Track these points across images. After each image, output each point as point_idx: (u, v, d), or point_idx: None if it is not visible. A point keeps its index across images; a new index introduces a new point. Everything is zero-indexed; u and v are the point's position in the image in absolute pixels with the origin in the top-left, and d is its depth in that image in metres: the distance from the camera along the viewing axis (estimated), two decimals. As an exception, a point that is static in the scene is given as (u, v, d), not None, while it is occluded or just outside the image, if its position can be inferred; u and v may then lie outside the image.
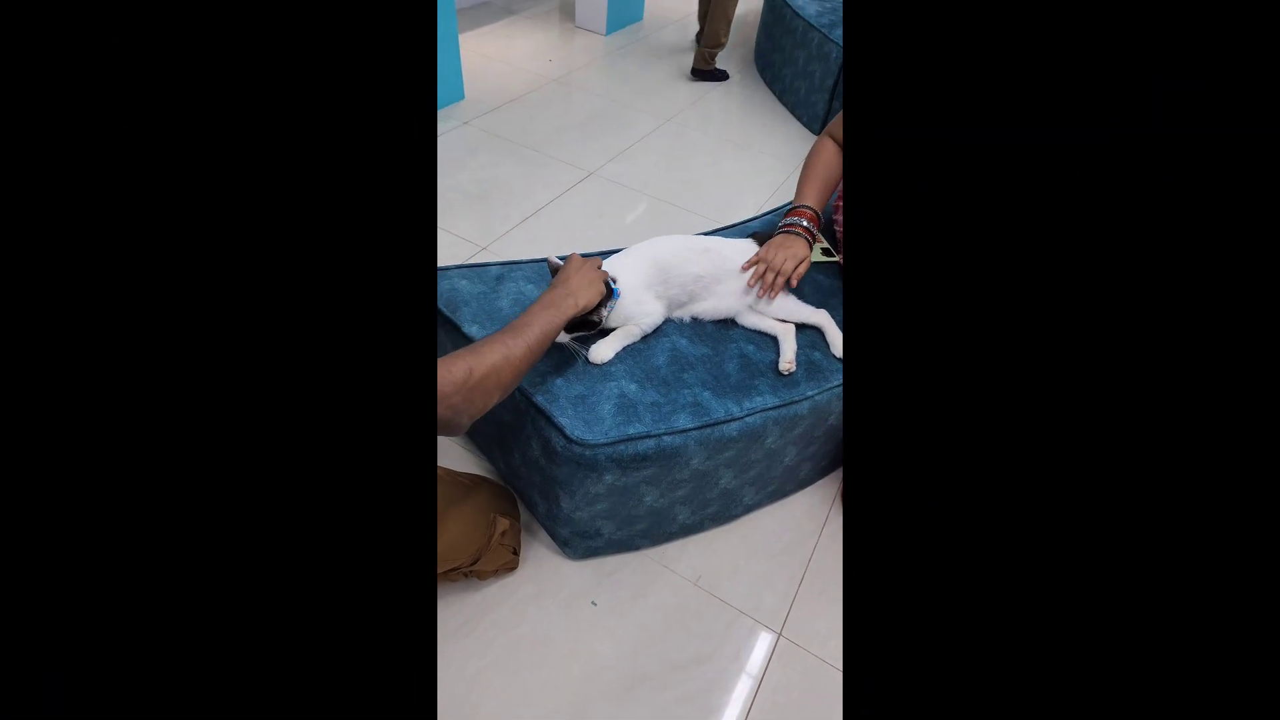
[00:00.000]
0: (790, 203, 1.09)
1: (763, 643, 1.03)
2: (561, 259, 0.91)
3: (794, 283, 1.01)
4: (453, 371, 0.65)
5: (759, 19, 2.93)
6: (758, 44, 2.90)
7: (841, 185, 1.24)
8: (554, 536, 1.08)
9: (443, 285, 1.04)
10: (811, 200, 1.07)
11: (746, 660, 1.01)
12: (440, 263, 1.10)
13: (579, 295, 0.82)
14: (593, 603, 1.04)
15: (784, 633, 1.05)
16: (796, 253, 1.01)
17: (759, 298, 1.01)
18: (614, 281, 0.91)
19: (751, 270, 1.02)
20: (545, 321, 0.77)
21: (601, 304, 0.87)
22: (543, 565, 1.08)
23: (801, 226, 1.04)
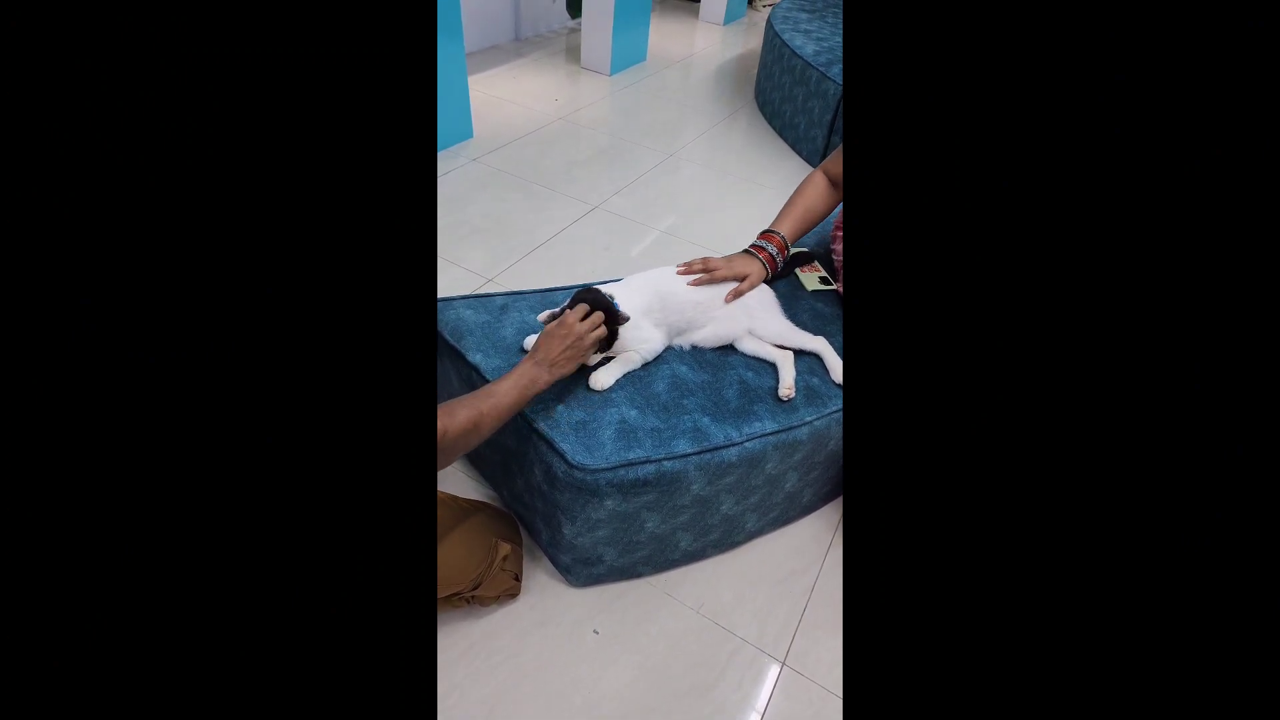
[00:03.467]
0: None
1: (766, 673, 1.02)
2: (557, 302, 0.94)
3: (729, 291, 1.04)
4: None
5: (759, 58, 3.02)
6: (758, 81, 2.99)
7: (840, 214, 1.27)
8: (556, 563, 1.09)
9: (448, 315, 1.07)
10: (784, 229, 1.10)
11: (750, 690, 1.00)
12: (448, 294, 1.13)
13: (556, 370, 0.85)
14: (595, 631, 1.04)
15: (788, 662, 1.04)
16: (734, 266, 1.04)
17: (680, 275, 1.04)
18: (613, 298, 0.93)
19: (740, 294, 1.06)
20: (519, 394, 0.81)
21: (615, 324, 0.90)
22: (545, 592, 1.08)
23: (765, 251, 1.07)
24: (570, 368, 0.87)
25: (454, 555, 0.91)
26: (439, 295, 1.11)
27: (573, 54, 3.32)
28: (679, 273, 1.04)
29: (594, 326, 0.88)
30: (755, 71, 3.13)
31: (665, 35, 3.80)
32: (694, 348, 1.06)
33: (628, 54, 3.22)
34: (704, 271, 1.03)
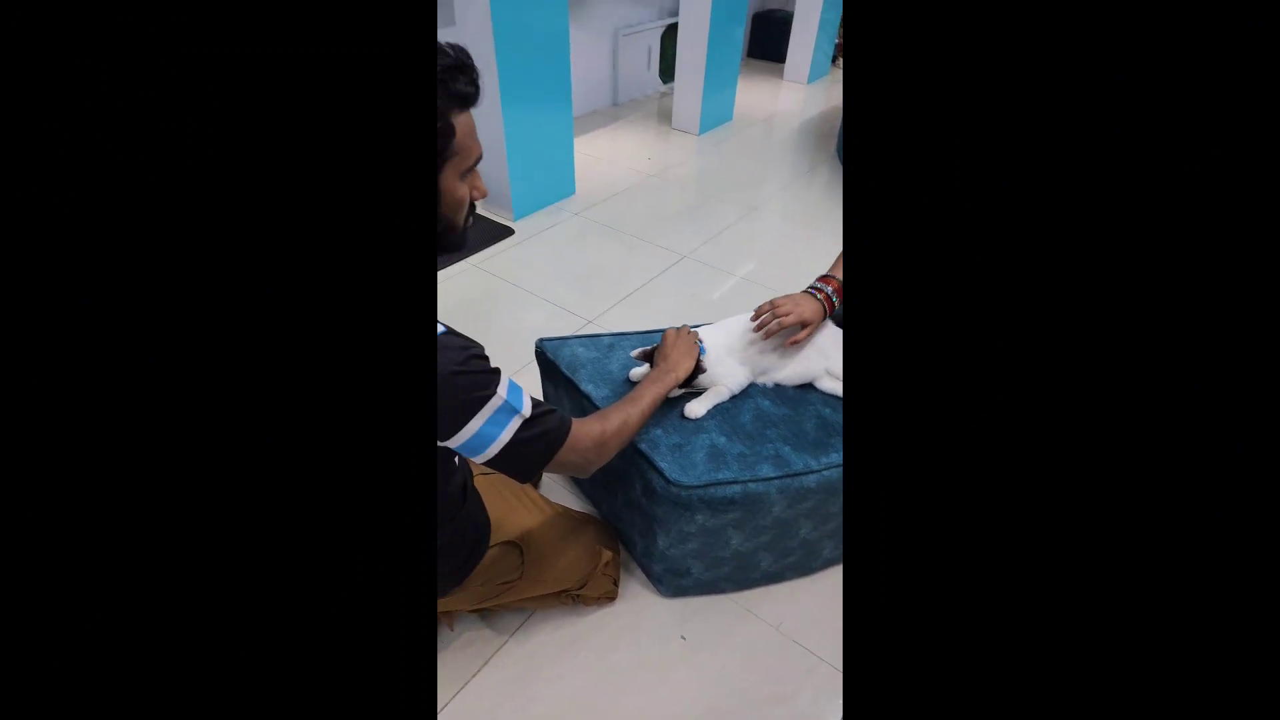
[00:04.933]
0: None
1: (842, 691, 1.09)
2: (652, 341, 1.10)
3: (791, 336, 1.12)
4: (590, 432, 0.82)
5: (841, 114, 3.17)
6: (840, 136, 3.13)
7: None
8: (648, 573, 1.22)
9: (564, 351, 1.26)
10: (839, 272, 1.17)
11: (825, 705, 1.08)
12: (553, 334, 1.32)
13: (678, 369, 1.01)
14: (682, 637, 1.15)
15: (862, 682, 1.10)
16: (801, 310, 1.11)
17: (756, 333, 1.13)
18: (700, 342, 1.08)
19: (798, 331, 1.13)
20: (654, 394, 0.96)
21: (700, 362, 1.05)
22: (637, 600, 1.21)
23: (824, 293, 1.14)
24: (688, 363, 1.02)
25: (567, 557, 1.07)
26: (555, 336, 1.30)
27: (664, 116, 3.60)
28: (751, 319, 1.16)
29: (686, 332, 1.05)
30: (837, 127, 3.27)
31: (751, 94, 4.03)
32: (776, 385, 1.18)
33: (715, 114, 3.45)
34: (772, 315, 1.12)
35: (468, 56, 0.61)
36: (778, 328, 1.12)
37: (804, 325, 1.12)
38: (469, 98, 0.62)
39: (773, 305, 1.13)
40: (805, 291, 1.17)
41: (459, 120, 0.62)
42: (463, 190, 0.66)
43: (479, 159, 0.67)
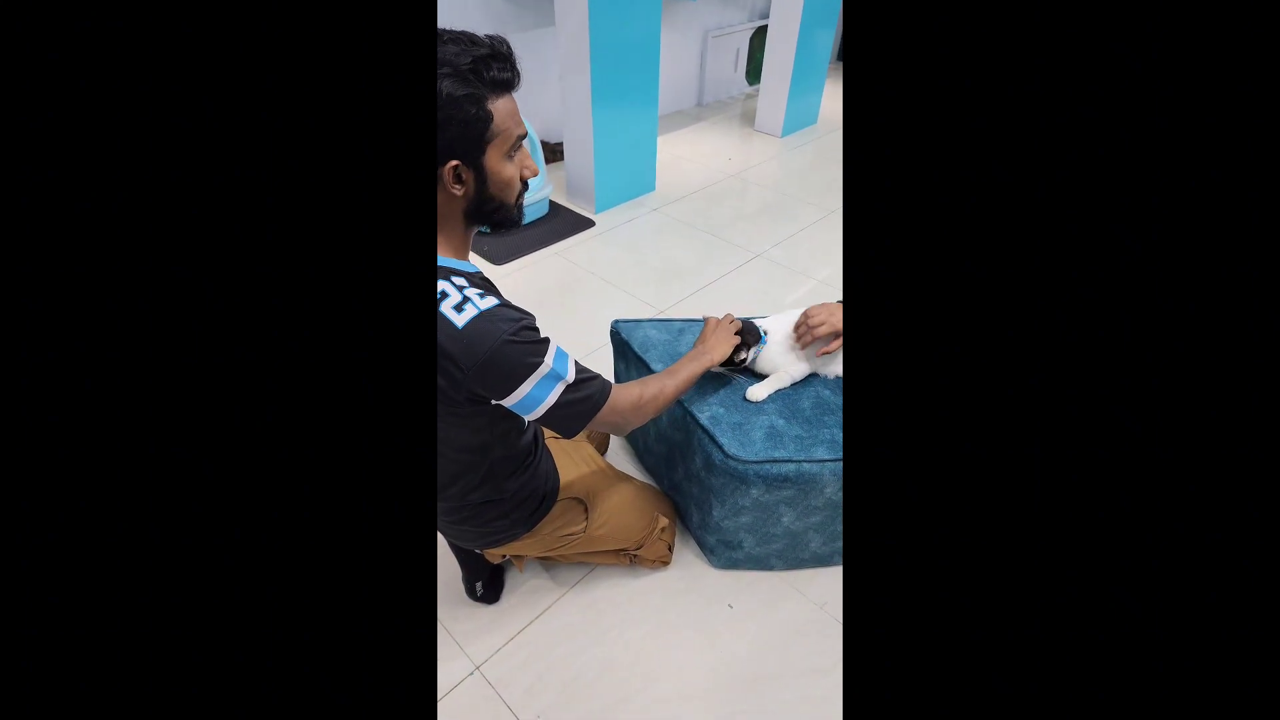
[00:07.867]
0: None
1: (881, 673, 1.13)
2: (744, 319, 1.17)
3: (823, 346, 1.14)
4: (629, 396, 0.90)
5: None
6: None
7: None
8: (702, 545, 1.29)
9: (637, 333, 1.35)
10: None
11: (864, 685, 1.12)
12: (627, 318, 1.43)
13: (714, 351, 1.07)
14: (729, 605, 1.23)
15: (903, 668, 1.14)
16: (835, 321, 1.13)
17: (797, 343, 1.16)
18: (765, 332, 1.15)
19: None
20: (690, 370, 1.02)
21: (746, 346, 1.12)
22: (690, 568, 1.29)
23: None
24: (724, 348, 1.07)
25: (626, 517, 1.16)
26: (629, 318, 1.40)
27: (748, 118, 3.64)
28: (795, 339, 1.18)
29: (728, 319, 1.10)
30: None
31: (840, 99, 4.00)
32: (837, 378, 1.23)
33: (799, 117, 3.46)
34: (807, 329, 1.14)
35: (504, 45, 0.66)
36: (812, 339, 1.15)
37: (839, 335, 1.13)
38: (507, 83, 0.67)
39: (806, 316, 1.16)
40: (838, 301, 1.18)
41: (496, 105, 0.67)
42: (510, 170, 0.72)
43: (522, 138, 0.72)
